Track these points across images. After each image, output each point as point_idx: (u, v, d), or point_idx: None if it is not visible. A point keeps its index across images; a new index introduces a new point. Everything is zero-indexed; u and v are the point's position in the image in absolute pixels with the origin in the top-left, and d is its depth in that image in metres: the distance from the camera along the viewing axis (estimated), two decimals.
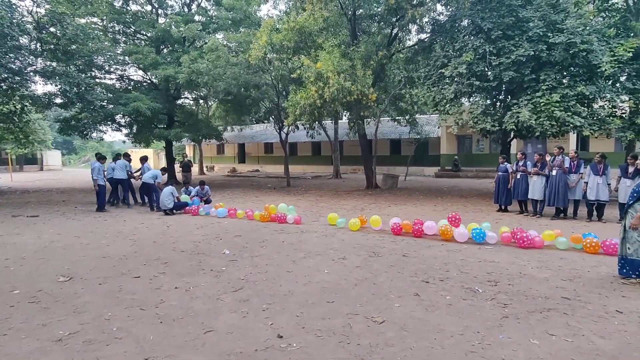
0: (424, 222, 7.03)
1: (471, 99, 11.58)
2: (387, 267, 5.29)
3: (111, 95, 16.33)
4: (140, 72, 20.08)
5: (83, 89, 14.33)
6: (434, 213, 9.38)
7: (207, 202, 11.13)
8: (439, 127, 23.42)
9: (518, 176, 9.21)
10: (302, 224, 8.37)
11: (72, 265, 5.57)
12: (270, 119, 20.17)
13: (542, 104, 9.56)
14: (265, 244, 6.75)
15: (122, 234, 7.77)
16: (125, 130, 18.69)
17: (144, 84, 19.34)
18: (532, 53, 9.78)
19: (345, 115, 26.85)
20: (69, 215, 10.20)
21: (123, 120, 18.37)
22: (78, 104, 14.86)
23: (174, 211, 10.21)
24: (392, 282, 4.75)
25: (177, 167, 23.44)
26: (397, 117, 18.88)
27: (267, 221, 8.71)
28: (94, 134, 18.52)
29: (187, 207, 10.28)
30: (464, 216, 9.00)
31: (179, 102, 21.54)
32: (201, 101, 26.24)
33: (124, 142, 19.90)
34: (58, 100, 15.27)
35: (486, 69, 10.44)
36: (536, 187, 8.78)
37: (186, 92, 21.18)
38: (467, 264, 5.42)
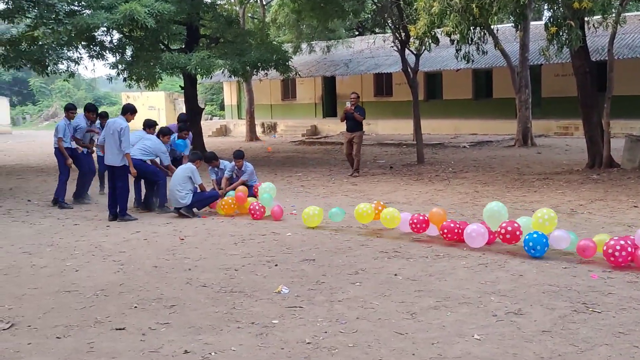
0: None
1: None
2: (610, 336, 5.08)
3: None
4: None
5: None
6: None
7: (251, 193, 11.55)
8: None
9: None
10: (432, 240, 8.39)
11: (15, 303, 6.36)
12: (387, 25, 20.15)
13: None
14: (361, 276, 6.94)
15: (102, 250, 8.56)
16: (111, 58, 20.40)
17: None
18: None
19: (544, 8, 25.67)
20: (18, 214, 11.58)
21: (108, 39, 20.02)
22: (30, 10, 16.58)
23: (194, 211, 11.00)
24: None
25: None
26: None
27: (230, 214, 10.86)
28: (61, 65, 20.58)
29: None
30: None
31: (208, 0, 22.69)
32: None
33: (109, 79, 21.67)
34: None
35: None
36: None
37: None
38: None
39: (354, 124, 15.47)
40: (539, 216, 7.86)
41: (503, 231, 7.78)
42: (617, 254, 6.83)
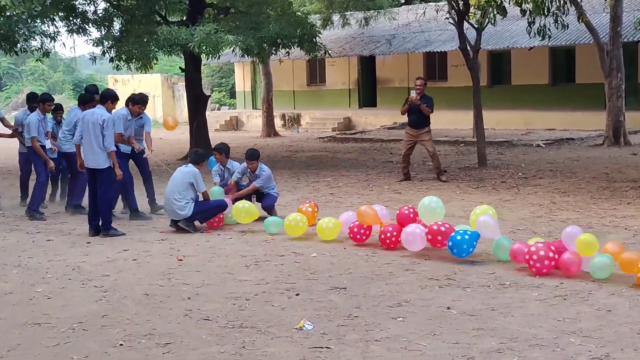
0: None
1: None
2: None
3: None
4: None
5: None
6: None
7: (266, 203, 11.78)
8: None
9: None
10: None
11: None
12: None
13: None
14: (405, 310, 6.88)
15: (81, 273, 8.58)
16: (96, 33, 20.53)
17: None
18: None
19: None
20: None
21: (91, 10, 20.14)
22: None
23: (196, 224, 11.02)
24: None
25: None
26: None
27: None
28: (33, 42, 20.74)
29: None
30: None
31: None
32: None
33: (93, 59, 21.79)
34: None
35: None
36: None
37: None
38: None
39: (420, 118, 15.36)
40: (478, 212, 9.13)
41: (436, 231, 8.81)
42: (538, 264, 7.82)
